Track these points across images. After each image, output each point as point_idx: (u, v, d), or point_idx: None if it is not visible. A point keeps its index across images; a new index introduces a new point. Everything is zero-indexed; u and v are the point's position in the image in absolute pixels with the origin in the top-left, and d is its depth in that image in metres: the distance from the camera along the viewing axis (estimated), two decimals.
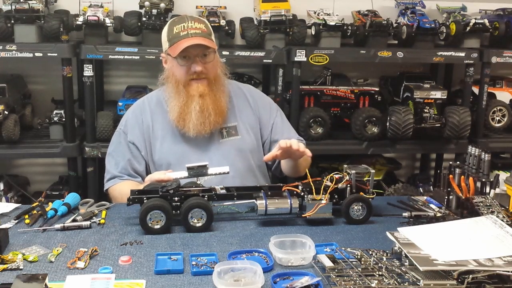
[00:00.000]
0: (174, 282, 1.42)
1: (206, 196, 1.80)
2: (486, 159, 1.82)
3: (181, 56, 2.11)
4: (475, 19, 3.29)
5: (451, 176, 1.87)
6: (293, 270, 1.48)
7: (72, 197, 1.94)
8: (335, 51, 3.09)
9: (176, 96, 2.17)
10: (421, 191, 3.23)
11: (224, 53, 2.98)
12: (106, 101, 3.42)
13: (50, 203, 1.90)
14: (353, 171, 1.84)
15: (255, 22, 3.21)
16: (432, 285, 1.33)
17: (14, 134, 2.89)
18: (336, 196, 1.84)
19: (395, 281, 1.37)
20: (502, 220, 1.62)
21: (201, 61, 2.13)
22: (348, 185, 1.83)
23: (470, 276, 1.34)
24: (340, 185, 1.82)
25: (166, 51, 2.18)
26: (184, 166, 1.89)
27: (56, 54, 2.89)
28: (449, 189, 1.89)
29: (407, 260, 1.43)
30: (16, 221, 1.80)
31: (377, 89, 3.31)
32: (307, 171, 1.89)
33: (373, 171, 1.87)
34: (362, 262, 1.48)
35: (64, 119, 3.04)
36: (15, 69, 3.28)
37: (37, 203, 1.90)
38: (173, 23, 2.17)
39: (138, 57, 2.97)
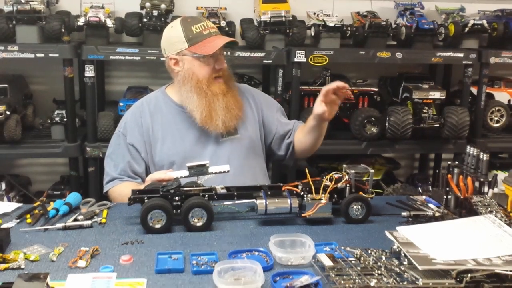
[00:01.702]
0: (175, 281, 1.43)
1: (206, 195, 1.81)
2: (484, 159, 1.83)
3: (210, 55, 2.13)
4: (474, 20, 3.30)
5: (449, 176, 1.88)
6: (293, 269, 1.49)
7: (73, 197, 1.95)
8: (334, 51, 3.10)
9: (200, 95, 2.17)
10: (420, 190, 3.23)
11: (224, 53, 2.99)
12: (107, 102, 3.42)
13: (51, 203, 1.91)
14: (353, 171, 1.85)
15: (255, 23, 3.22)
16: (431, 284, 1.34)
17: (16, 134, 2.89)
18: (335, 195, 1.84)
19: (394, 280, 1.37)
20: (501, 220, 1.62)
21: (222, 59, 2.18)
22: (348, 185, 1.84)
23: (469, 275, 1.35)
24: (339, 185, 1.83)
25: (181, 52, 2.17)
26: (185, 166, 1.90)
27: (57, 55, 2.90)
28: (447, 188, 1.89)
29: (406, 259, 1.44)
30: (18, 220, 1.81)
31: (376, 89, 3.32)
32: (307, 171, 1.90)
33: (372, 171, 1.88)
34: (361, 261, 1.48)
35: (65, 119, 3.05)
36: (16, 70, 3.28)
37: (38, 203, 1.91)
38: (188, 23, 2.17)
39: (139, 58, 2.98)
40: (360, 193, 1.84)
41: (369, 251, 1.54)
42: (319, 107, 2.13)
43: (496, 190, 1.89)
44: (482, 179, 1.83)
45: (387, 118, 3.13)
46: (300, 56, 3.05)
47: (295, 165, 3.05)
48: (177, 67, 2.21)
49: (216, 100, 2.16)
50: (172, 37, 2.19)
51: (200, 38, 2.13)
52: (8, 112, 2.84)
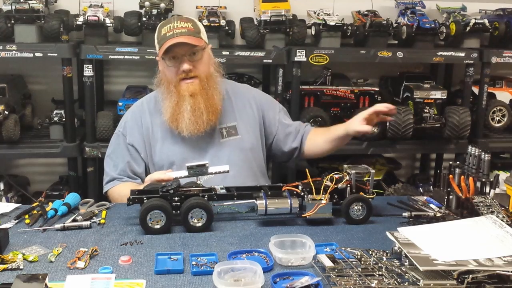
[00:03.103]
0: (174, 282, 1.42)
1: (206, 196, 1.80)
2: (486, 159, 1.82)
3: (168, 56, 2.12)
4: (475, 19, 3.29)
5: (451, 176, 1.87)
6: (293, 270, 1.48)
7: (72, 197, 1.94)
8: (335, 51, 3.09)
9: (168, 97, 2.17)
10: (421, 191, 3.24)
11: (224, 53, 2.99)
12: (106, 101, 3.42)
13: (50, 203, 1.90)
14: (353, 171, 1.84)
15: (255, 22, 3.21)
16: (432, 285, 1.33)
17: (14, 134, 2.89)
18: (336, 196, 1.83)
19: (395, 281, 1.37)
20: (502, 220, 1.62)
21: (189, 60, 2.12)
22: (348, 185, 1.83)
23: (470, 276, 1.34)
24: (340, 185, 1.82)
25: (157, 54, 2.18)
26: (184, 167, 1.89)
27: (56, 54, 2.89)
28: (449, 189, 1.89)
29: (407, 260, 1.43)
30: (16, 221, 1.80)
31: (377, 89, 3.31)
32: (307, 171, 1.89)
33: (373, 171, 1.87)
34: (362, 262, 1.48)
35: (64, 119, 3.04)
36: (15, 69, 3.28)
37: (37, 203, 1.90)
38: (162, 25, 2.17)
39: (138, 57, 2.98)
40: (361, 193, 1.83)
41: (370, 252, 1.54)
42: (362, 126, 2.11)
43: (497, 190, 1.89)
44: (483, 179, 1.82)
45: None
46: (300, 56, 3.04)
47: (296, 165, 3.04)
48: (159, 68, 2.24)
49: (182, 102, 2.14)
50: (155, 39, 2.21)
51: (163, 40, 2.11)
52: (6, 112, 2.84)
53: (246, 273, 1.39)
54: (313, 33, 3.19)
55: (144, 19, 3.07)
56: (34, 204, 1.91)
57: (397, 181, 3.50)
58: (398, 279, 1.38)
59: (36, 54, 2.88)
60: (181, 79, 2.14)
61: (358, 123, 2.13)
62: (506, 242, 1.48)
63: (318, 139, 2.33)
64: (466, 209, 1.80)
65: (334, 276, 1.39)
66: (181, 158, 2.18)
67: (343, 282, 1.35)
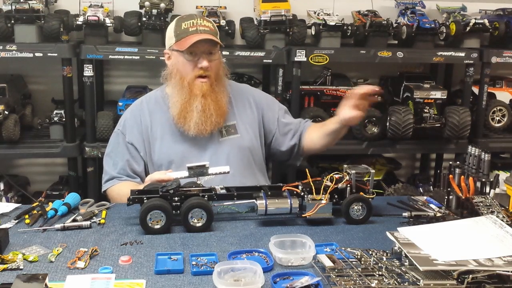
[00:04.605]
0: (174, 282, 1.42)
1: (206, 196, 1.80)
2: (486, 159, 1.82)
3: (188, 51, 2.12)
4: (475, 19, 3.29)
5: (451, 176, 1.87)
6: (293, 270, 1.48)
7: (72, 197, 1.94)
8: (335, 51, 3.09)
9: (179, 92, 2.17)
10: (421, 191, 3.24)
11: (224, 53, 2.98)
12: (106, 101, 3.42)
13: (50, 203, 1.90)
14: (353, 171, 1.84)
15: (255, 22, 3.22)
16: (432, 285, 1.33)
17: (14, 134, 2.89)
18: (336, 196, 1.83)
19: (395, 281, 1.37)
20: (502, 220, 1.62)
21: (207, 58, 2.13)
22: (348, 185, 1.83)
23: (470, 276, 1.34)
24: (340, 185, 1.82)
25: (171, 47, 2.18)
26: (183, 166, 1.89)
27: (56, 54, 2.90)
28: (449, 189, 1.89)
29: (407, 260, 1.43)
30: (16, 221, 1.80)
31: None
32: (307, 171, 1.89)
33: (373, 171, 1.87)
34: (362, 262, 1.48)
35: (64, 119, 3.05)
36: (15, 69, 3.28)
37: (37, 203, 1.90)
38: (182, 19, 2.17)
39: (138, 57, 2.98)
40: (361, 193, 1.83)
41: (370, 252, 1.54)
42: (348, 112, 2.10)
43: (497, 190, 1.89)
44: (483, 179, 1.82)
45: (388, 118, 3.12)
46: (300, 56, 3.04)
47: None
48: (169, 61, 2.23)
49: (193, 101, 2.14)
50: (168, 32, 2.22)
51: (185, 34, 2.12)
52: (6, 112, 2.84)
53: (246, 273, 1.39)
54: (313, 33, 3.19)
55: (144, 19, 3.07)
56: (34, 204, 1.90)
57: (397, 181, 3.50)
58: (398, 279, 1.38)
59: (36, 54, 2.88)
60: (197, 76, 2.14)
61: (347, 111, 2.11)
62: (506, 242, 1.48)
63: (314, 135, 2.32)
64: (466, 209, 1.80)
65: (334, 276, 1.39)
66: (180, 157, 2.18)
67: (343, 282, 1.35)
